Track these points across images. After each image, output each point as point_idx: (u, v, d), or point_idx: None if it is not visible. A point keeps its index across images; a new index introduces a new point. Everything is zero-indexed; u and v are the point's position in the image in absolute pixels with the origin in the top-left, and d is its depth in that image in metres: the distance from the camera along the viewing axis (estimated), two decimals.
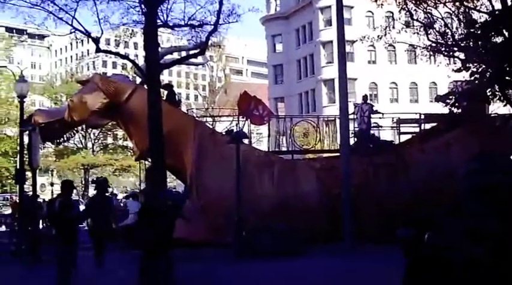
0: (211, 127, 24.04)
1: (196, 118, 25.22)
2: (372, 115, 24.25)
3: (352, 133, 22.71)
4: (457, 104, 24.02)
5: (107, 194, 16.49)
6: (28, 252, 20.15)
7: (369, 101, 25.58)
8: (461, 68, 23.84)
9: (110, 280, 14.07)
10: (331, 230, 19.33)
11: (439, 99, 26.09)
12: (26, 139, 25.02)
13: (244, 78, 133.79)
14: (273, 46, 76.01)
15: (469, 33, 23.91)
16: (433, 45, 26.21)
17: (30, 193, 27.22)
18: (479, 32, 23.01)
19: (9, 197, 50.45)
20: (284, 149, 25.50)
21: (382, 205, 20.45)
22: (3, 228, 36.69)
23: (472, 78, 23.10)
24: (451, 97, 24.62)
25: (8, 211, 41.72)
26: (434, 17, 25.83)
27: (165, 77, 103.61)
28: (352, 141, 22.34)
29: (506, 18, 21.91)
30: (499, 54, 21.66)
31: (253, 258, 16.60)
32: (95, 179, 19.18)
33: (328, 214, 20.05)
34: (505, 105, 23.87)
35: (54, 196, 32.42)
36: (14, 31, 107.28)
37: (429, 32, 25.78)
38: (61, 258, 11.55)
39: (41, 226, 21.97)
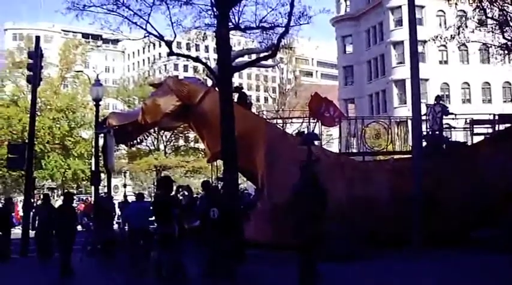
0: (282, 129, 24.04)
1: (267, 120, 25.30)
2: (444, 117, 23.83)
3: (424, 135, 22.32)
4: None
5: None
6: (103, 252, 20.70)
7: (441, 102, 25.12)
8: None
9: None
10: (402, 233, 19.07)
11: None
12: (100, 142, 25.67)
13: (314, 79, 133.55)
14: (343, 47, 75.74)
15: None
16: (509, 43, 25.59)
17: (103, 195, 27.91)
18: None
19: (84, 198, 51.73)
20: (355, 150, 25.31)
21: (455, 208, 20.07)
22: (79, 228, 37.63)
23: None
24: None
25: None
26: (511, 14, 25.20)
27: (235, 79, 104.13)
28: (423, 143, 22.00)
29: None
30: None
31: (324, 261, 16.52)
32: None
33: (399, 217, 19.78)
34: None
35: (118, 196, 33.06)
36: (90, 37, 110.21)
37: (505, 30, 25.18)
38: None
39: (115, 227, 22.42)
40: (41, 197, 27.30)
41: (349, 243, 17.68)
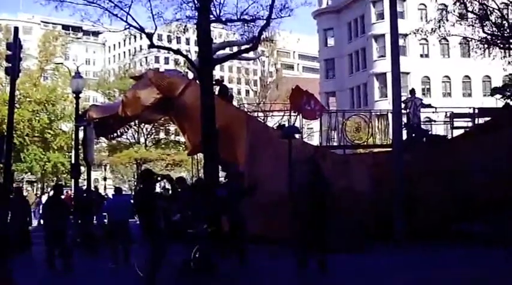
0: (263, 122, 24.04)
1: (248, 113, 25.25)
2: (422, 110, 23.94)
3: (403, 127, 22.36)
4: None
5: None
6: (84, 246, 20.55)
7: (418, 95, 25.20)
8: None
9: None
10: (382, 226, 19.12)
11: (496, 91, 25.65)
12: (80, 135, 25.49)
13: (295, 72, 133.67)
14: (324, 40, 75.78)
15: None
16: (489, 37, 25.72)
17: (84, 188, 27.70)
18: None
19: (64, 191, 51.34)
20: (335, 144, 25.37)
21: (436, 202, 20.15)
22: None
23: None
24: (508, 89, 24.17)
25: None
26: (490, 8, 25.31)
27: (216, 72, 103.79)
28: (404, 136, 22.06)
29: None
30: None
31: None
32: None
33: (380, 210, 19.84)
34: None
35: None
36: (70, 29, 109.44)
37: (485, 24, 25.29)
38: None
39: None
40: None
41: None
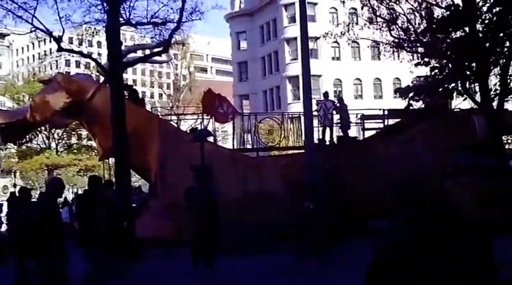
0: (175, 125, 23.91)
1: (161, 117, 25.06)
2: (335, 112, 24.31)
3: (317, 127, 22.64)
4: (416, 98, 24.21)
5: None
6: None
7: (330, 97, 25.59)
8: (421, 63, 24.07)
9: None
10: (297, 227, 19.29)
11: (399, 92, 26.31)
12: None
13: (208, 75, 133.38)
14: (237, 43, 76.00)
15: (429, 28, 24.13)
16: (396, 41, 26.39)
17: None
18: (437, 27, 23.24)
19: None
20: (249, 146, 25.48)
21: (348, 200, 20.51)
22: None
23: (432, 73, 23.32)
24: (410, 91, 24.83)
25: None
26: (397, 13, 25.98)
27: (129, 76, 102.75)
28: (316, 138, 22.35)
29: (464, 13, 22.14)
30: (458, 48, 21.87)
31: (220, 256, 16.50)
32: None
33: (294, 210, 20.03)
34: (464, 99, 24.14)
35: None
36: None
37: (392, 28, 25.94)
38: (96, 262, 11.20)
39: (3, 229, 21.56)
40: None
41: (246, 237, 17.71)
